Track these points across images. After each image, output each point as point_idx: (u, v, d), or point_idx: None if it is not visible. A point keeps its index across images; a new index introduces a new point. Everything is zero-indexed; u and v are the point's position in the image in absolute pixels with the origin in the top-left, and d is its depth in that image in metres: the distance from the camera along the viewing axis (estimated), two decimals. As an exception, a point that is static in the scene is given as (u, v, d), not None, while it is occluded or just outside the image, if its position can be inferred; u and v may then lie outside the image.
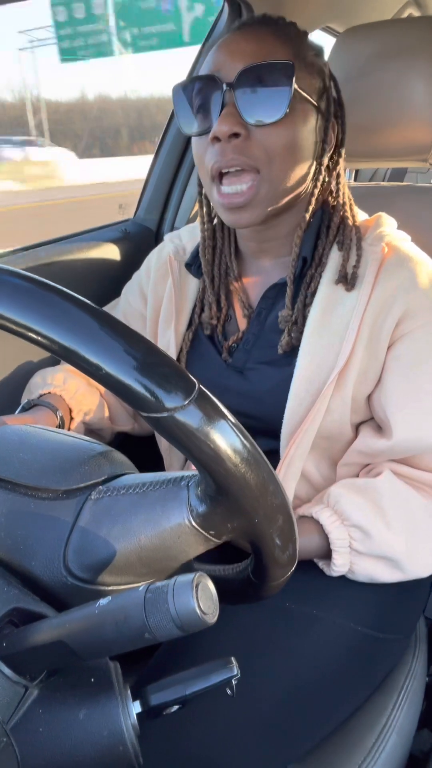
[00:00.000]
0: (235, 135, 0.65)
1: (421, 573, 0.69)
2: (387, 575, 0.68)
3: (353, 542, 0.67)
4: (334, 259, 0.73)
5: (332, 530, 0.67)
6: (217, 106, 0.66)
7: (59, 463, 0.44)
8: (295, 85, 0.64)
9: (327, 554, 0.69)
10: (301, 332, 0.72)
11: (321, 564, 0.71)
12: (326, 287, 0.72)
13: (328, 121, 0.71)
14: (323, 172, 0.72)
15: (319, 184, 0.72)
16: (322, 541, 0.68)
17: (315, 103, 0.69)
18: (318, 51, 0.72)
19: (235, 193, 0.67)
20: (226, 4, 1.19)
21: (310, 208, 0.72)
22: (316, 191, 0.72)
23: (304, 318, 0.73)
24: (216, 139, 0.65)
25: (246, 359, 0.78)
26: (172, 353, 0.82)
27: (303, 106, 0.67)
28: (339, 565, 0.67)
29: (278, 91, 0.64)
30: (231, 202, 0.67)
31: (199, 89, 0.68)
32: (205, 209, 0.79)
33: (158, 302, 0.86)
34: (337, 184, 0.75)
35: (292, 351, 0.73)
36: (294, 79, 0.64)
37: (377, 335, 0.70)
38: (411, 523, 0.68)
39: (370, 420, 0.76)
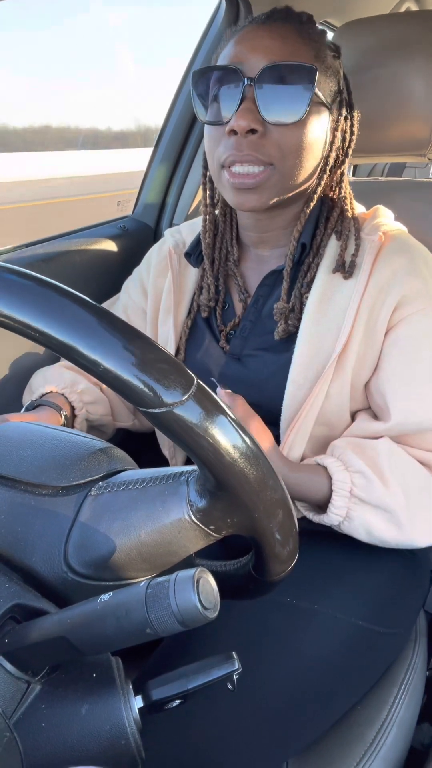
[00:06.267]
0: (252, 131, 0.65)
1: (418, 538, 0.68)
2: (384, 529, 0.67)
3: (354, 488, 0.67)
4: (332, 248, 0.74)
5: (335, 472, 0.67)
6: (236, 99, 0.66)
7: (59, 459, 0.44)
8: (315, 89, 0.65)
9: (325, 503, 0.69)
10: (299, 319, 0.73)
11: (316, 517, 0.70)
12: (324, 276, 0.72)
13: (338, 122, 0.72)
14: (327, 171, 0.73)
15: (323, 182, 0.73)
16: (324, 483, 0.68)
17: (329, 106, 0.70)
18: (336, 52, 0.72)
19: (247, 174, 0.67)
20: (223, 0, 1.18)
21: (312, 204, 0.73)
22: (319, 189, 0.73)
23: (302, 305, 0.73)
24: (232, 132, 0.66)
25: (243, 346, 0.78)
26: (172, 343, 0.82)
27: (319, 108, 0.68)
28: (337, 507, 0.67)
29: (299, 93, 0.65)
30: (242, 182, 0.67)
31: (218, 79, 0.68)
32: (208, 192, 0.80)
33: (158, 296, 0.87)
34: (340, 180, 0.76)
35: (290, 337, 0.74)
36: (315, 82, 0.65)
37: (374, 321, 0.70)
38: (408, 484, 0.68)
39: (367, 408, 0.77)
